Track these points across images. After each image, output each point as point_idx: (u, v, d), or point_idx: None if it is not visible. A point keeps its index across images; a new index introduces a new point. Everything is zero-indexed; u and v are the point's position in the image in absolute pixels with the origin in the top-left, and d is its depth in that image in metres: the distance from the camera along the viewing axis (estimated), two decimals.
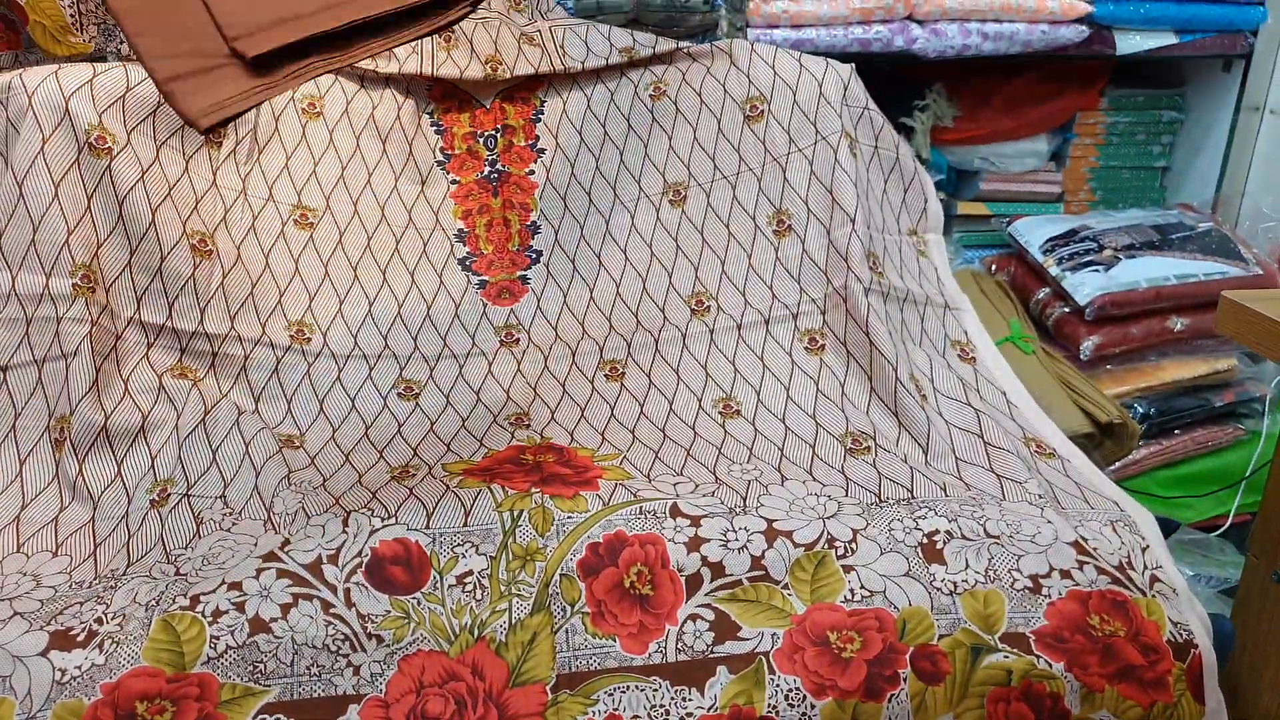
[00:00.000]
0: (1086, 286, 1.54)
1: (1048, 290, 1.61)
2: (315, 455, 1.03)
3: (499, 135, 1.27)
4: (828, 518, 0.89)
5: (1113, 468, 1.51)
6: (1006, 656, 0.81)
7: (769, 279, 1.19)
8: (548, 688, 0.78)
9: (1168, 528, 0.94)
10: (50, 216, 1.04)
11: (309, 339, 1.11)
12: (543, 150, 1.27)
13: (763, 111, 1.25)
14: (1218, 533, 1.51)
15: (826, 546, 0.85)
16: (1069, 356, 1.54)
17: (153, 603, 0.79)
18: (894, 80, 1.70)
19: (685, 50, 1.30)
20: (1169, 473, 1.56)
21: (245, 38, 0.70)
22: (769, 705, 0.77)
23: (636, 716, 0.77)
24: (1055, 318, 1.58)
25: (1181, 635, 0.83)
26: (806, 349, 1.15)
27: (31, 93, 1.07)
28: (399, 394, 1.11)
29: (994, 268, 1.70)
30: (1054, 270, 1.58)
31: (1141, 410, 1.53)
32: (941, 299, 1.25)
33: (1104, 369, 1.55)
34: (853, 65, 1.29)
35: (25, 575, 0.86)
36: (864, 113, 1.28)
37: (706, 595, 0.82)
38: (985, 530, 0.89)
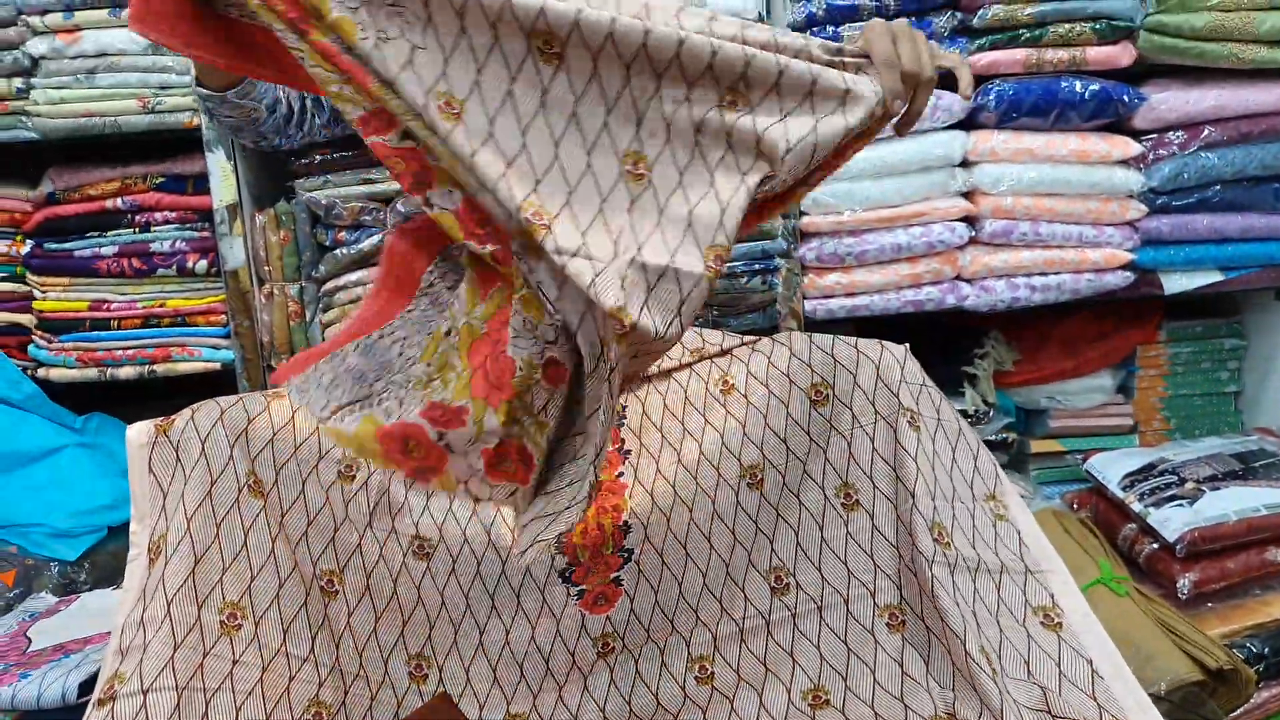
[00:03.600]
0: (1173, 522, 1.53)
1: (1133, 526, 1.60)
2: None
3: None
4: None
5: (1233, 715, 1.45)
6: None
7: (843, 554, 1.24)
8: None
9: None
10: (210, 554, 1.16)
11: (426, 675, 1.19)
12: (628, 452, 1.37)
13: (827, 396, 1.34)
14: None
15: None
16: (1165, 595, 1.51)
17: None
18: (951, 329, 1.78)
19: (748, 344, 1.41)
20: None
21: None
22: None
23: None
24: (1146, 554, 1.57)
25: None
26: (889, 626, 1.18)
27: (204, 438, 1.21)
28: None
29: (1075, 505, 1.70)
30: (1136, 507, 1.58)
31: (1255, 650, 1.47)
32: (1022, 565, 1.26)
33: (1206, 607, 1.51)
34: (907, 346, 1.38)
35: None
36: (922, 388, 1.35)
37: None
38: None
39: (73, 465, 1.70)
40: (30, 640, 1.35)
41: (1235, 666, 1.38)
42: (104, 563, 1.65)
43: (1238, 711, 1.45)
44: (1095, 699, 1.09)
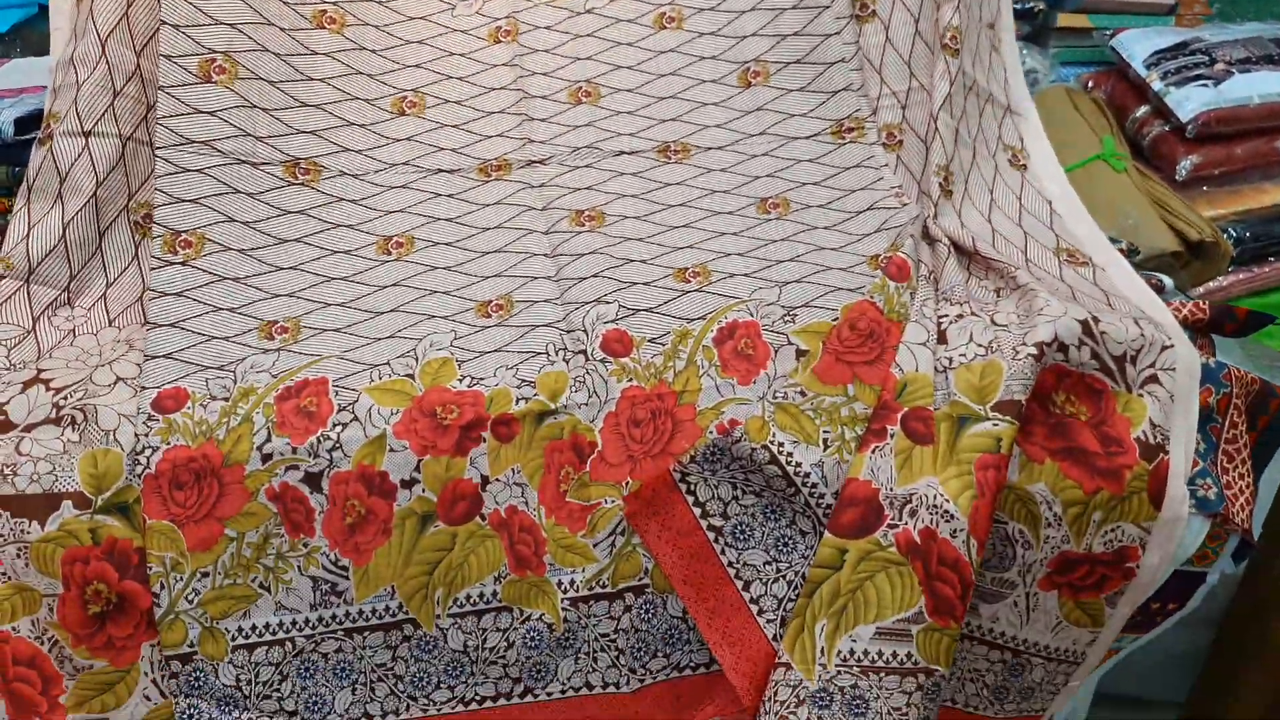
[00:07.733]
0: (1191, 101, 1.44)
1: (1147, 108, 1.52)
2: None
3: None
4: None
5: (1197, 291, 1.46)
6: (996, 424, 0.82)
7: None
8: None
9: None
10: None
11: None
12: None
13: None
14: None
15: None
16: (1164, 177, 1.47)
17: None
18: None
19: None
20: (1256, 301, 1.49)
21: None
22: None
23: None
24: (1153, 136, 1.50)
25: (1155, 438, 0.83)
26: (885, 146, 1.14)
27: None
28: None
29: (1090, 85, 1.60)
30: (1157, 85, 1.49)
31: (1235, 234, 1.46)
32: (1005, 100, 1.23)
33: (1200, 190, 1.47)
34: None
35: (120, 342, 0.93)
36: None
37: None
38: (993, 320, 0.92)
39: None
40: None
41: (1216, 239, 1.37)
42: (36, 41, 1.51)
43: (1202, 290, 1.47)
44: (1053, 229, 1.10)
